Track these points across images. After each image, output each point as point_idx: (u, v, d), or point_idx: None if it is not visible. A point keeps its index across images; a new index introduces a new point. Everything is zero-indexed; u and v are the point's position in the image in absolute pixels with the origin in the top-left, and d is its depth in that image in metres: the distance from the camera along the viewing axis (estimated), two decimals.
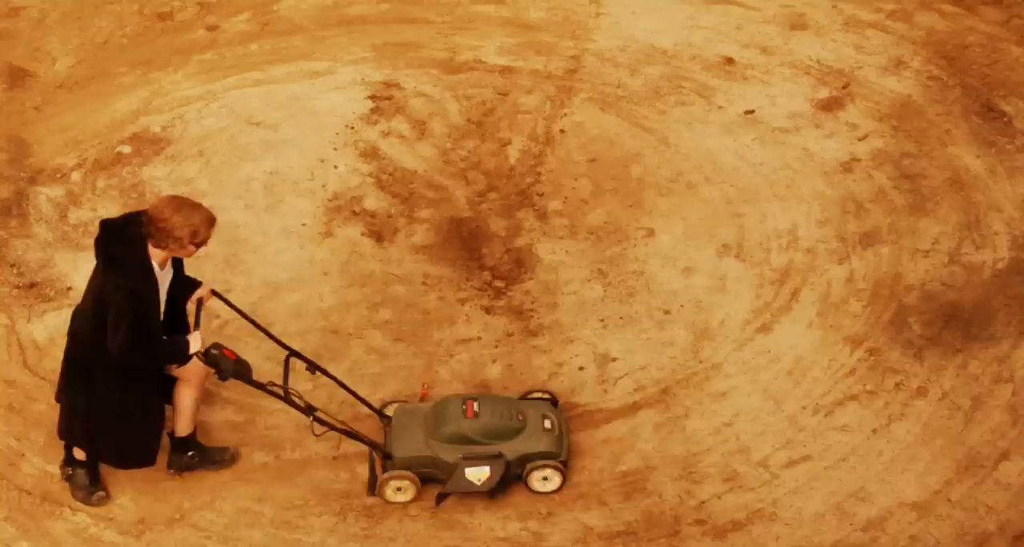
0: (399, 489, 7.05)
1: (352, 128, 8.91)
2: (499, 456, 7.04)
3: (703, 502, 7.09)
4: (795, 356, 7.70)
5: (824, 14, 9.61)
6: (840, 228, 8.30)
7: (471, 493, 7.08)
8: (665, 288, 8.04)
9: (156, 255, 6.39)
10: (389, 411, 7.36)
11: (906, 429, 7.35)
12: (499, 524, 7.04)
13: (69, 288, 8.04)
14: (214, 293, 6.95)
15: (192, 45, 9.51)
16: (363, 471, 7.17)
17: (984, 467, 7.18)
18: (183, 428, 7.06)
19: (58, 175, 8.63)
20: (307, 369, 6.97)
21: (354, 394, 7.19)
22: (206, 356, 6.48)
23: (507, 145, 8.85)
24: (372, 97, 9.11)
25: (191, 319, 6.87)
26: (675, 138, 8.83)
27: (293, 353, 7.01)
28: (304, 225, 8.39)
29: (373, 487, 7.10)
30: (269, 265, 8.20)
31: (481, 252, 8.29)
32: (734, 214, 8.39)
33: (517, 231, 8.38)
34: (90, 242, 8.19)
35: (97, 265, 6.48)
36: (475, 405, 7.11)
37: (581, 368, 7.69)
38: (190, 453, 7.12)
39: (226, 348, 6.55)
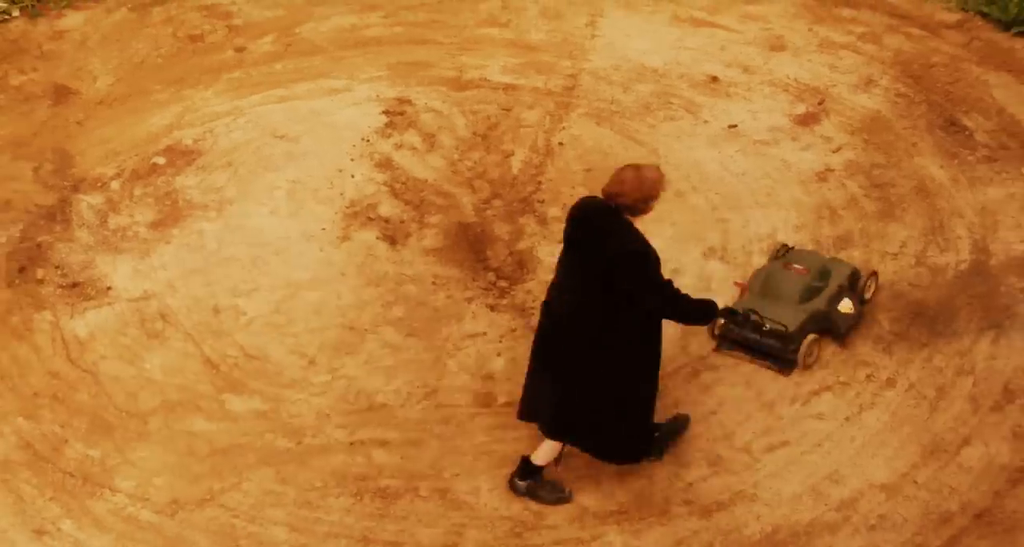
0: (811, 353, 7.51)
1: (368, 141, 8.93)
2: (840, 286, 7.60)
3: (690, 484, 7.09)
4: None
5: (800, 37, 9.61)
6: (816, 232, 8.31)
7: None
8: None
9: None
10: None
11: (876, 417, 7.35)
12: (503, 504, 7.03)
13: (109, 288, 8.06)
14: None
15: (221, 65, 9.53)
16: (378, 456, 7.19)
17: (947, 452, 7.17)
18: (543, 457, 6.91)
19: (98, 184, 8.65)
20: None
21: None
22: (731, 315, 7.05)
23: (510, 156, 8.88)
24: (386, 112, 9.13)
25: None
26: (664, 150, 8.85)
27: None
28: (323, 230, 8.41)
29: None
30: (291, 266, 8.21)
31: (486, 254, 8.30)
32: (719, 219, 8.40)
33: (519, 235, 8.39)
34: (128, 246, 8.32)
35: (573, 248, 6.37)
36: (795, 266, 7.63)
37: None
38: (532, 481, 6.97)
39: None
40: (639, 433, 6.82)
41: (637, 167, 6.33)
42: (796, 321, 7.40)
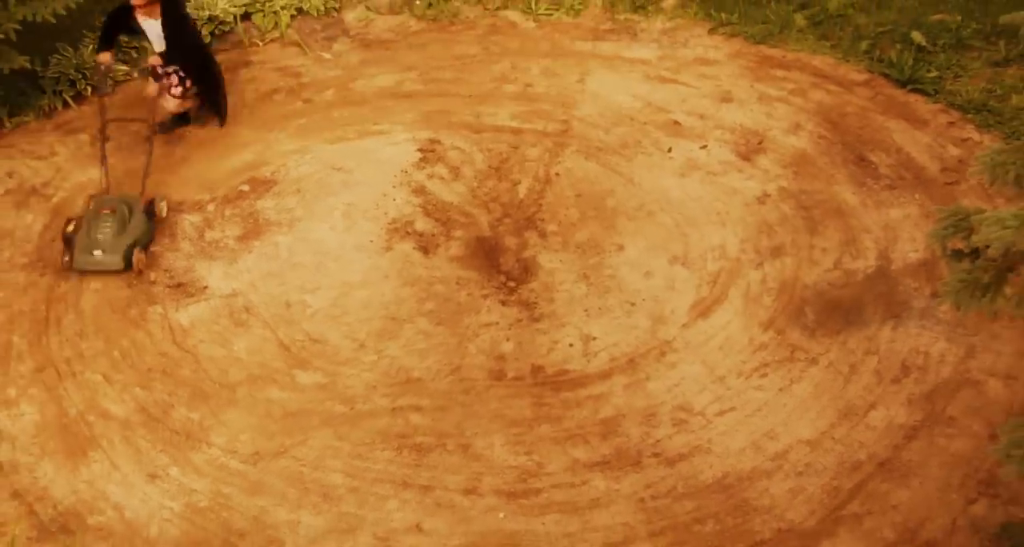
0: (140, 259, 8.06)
1: (406, 172, 8.91)
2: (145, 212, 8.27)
3: (658, 440, 7.13)
4: (725, 336, 7.71)
5: (744, 91, 9.60)
6: (756, 244, 8.31)
7: None
8: (631, 287, 8.04)
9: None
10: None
11: (803, 388, 7.39)
12: (512, 457, 7.07)
13: (205, 287, 8.06)
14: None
15: (292, 113, 9.51)
16: (414, 418, 7.23)
17: (858, 415, 7.22)
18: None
19: (197, 206, 8.65)
20: None
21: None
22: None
23: (517, 184, 8.85)
24: (420, 150, 9.10)
25: None
26: (639, 179, 8.83)
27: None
28: (371, 241, 8.39)
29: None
30: (346, 270, 8.20)
31: (498, 261, 8.28)
32: (681, 234, 8.39)
33: (524, 246, 8.37)
34: (220, 254, 8.41)
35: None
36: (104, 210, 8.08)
37: (571, 345, 7.70)
38: None
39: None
40: None
41: None
42: (120, 251, 7.97)
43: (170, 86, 8.89)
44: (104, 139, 8.50)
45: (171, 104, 9.00)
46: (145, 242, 8.17)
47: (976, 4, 10.08)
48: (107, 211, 8.06)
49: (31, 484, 6.96)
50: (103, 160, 8.46)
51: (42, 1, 8.42)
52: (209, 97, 9.16)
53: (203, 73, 9.03)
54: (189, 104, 9.13)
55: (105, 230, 8.01)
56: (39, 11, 8.44)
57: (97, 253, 7.96)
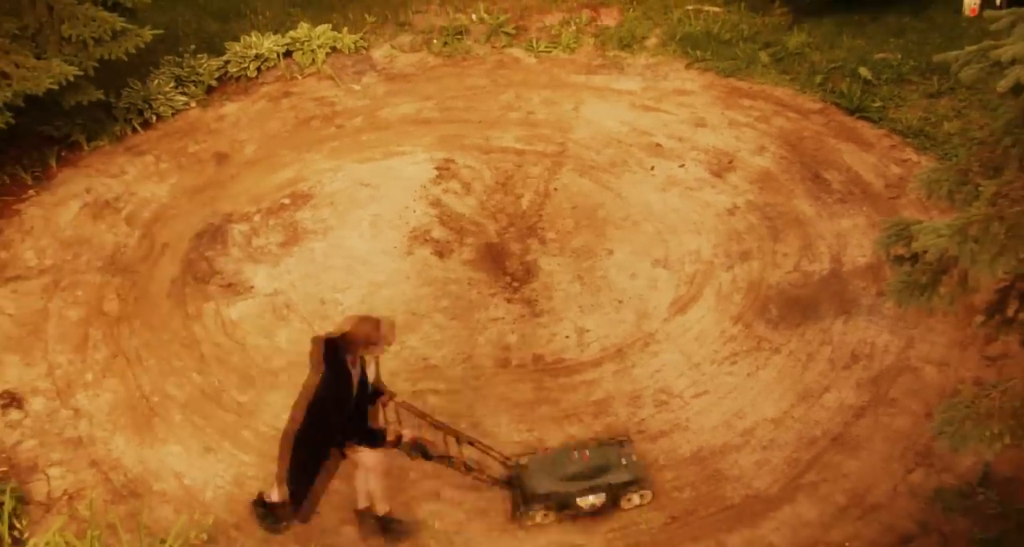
0: (544, 516, 6.35)
1: (424, 187, 8.91)
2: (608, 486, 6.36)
3: (643, 419, 7.13)
4: (700, 329, 7.71)
5: (717, 118, 9.59)
6: (728, 249, 8.30)
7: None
8: (619, 286, 8.04)
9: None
10: (524, 461, 6.53)
11: (767, 374, 7.39)
12: (516, 433, 7.07)
13: (251, 287, 8.07)
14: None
15: (326, 137, 9.53)
16: (431, 399, 7.15)
17: (814, 397, 7.22)
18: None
19: (245, 217, 8.68)
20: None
21: (486, 449, 6.49)
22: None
23: (520, 197, 8.84)
24: (437, 168, 9.10)
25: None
26: (626, 193, 8.82)
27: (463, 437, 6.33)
28: (394, 247, 8.39)
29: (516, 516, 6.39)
30: (373, 272, 8.21)
31: (504, 264, 8.27)
32: (662, 241, 8.38)
33: (527, 251, 8.36)
34: (264, 258, 8.41)
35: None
36: (586, 452, 6.48)
37: (567, 337, 7.70)
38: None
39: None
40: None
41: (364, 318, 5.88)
42: (543, 488, 6.34)
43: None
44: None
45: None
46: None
47: (914, 45, 10.10)
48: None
49: (106, 455, 7.00)
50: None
51: (116, 42, 8.50)
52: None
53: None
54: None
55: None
56: (113, 51, 8.55)
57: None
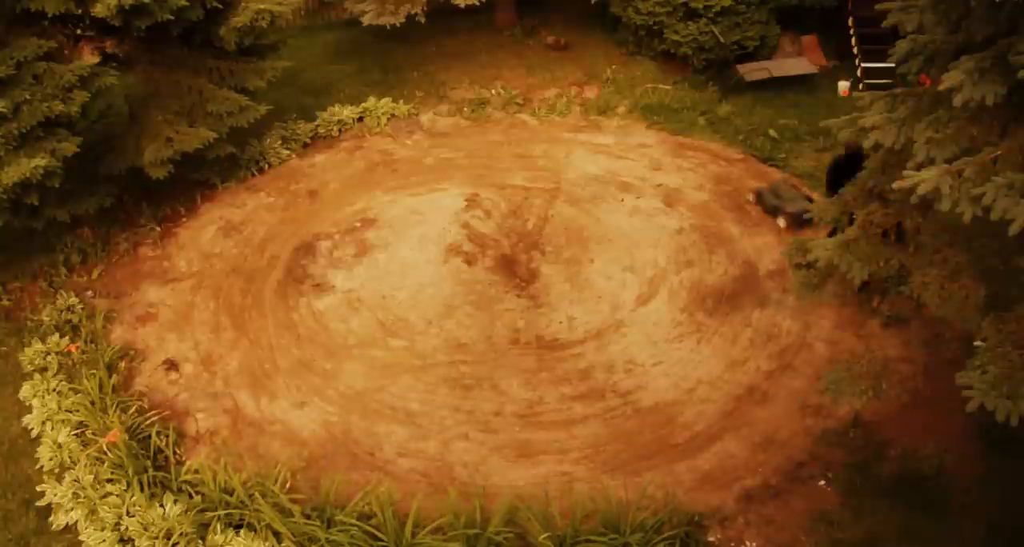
0: None
1: (457, 214, 8.85)
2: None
3: (616, 382, 7.13)
4: (657, 317, 7.67)
5: (669, 162, 9.55)
6: (676, 259, 8.24)
7: None
8: (598, 286, 8.00)
9: None
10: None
11: (705, 349, 7.37)
12: (523, 392, 7.08)
13: (333, 286, 8.06)
14: None
15: (384, 178, 9.53)
16: (462, 368, 7.10)
17: (739, 365, 7.21)
18: None
19: (328, 236, 8.66)
20: None
21: None
22: None
23: (527, 221, 8.78)
24: (466, 200, 9.04)
25: None
26: (604, 218, 8.76)
27: None
28: (436, 258, 8.33)
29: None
30: (419, 276, 8.16)
31: (515, 270, 8.23)
32: (629, 253, 8.33)
33: (531, 260, 8.31)
34: (342, 265, 8.26)
35: None
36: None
37: (561, 322, 7.68)
38: None
39: None
40: None
41: None
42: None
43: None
44: None
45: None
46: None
47: (807, 114, 10.11)
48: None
49: (233, 405, 7.10)
50: None
51: (242, 114, 8.68)
52: None
53: None
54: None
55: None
56: (240, 120, 8.70)
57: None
